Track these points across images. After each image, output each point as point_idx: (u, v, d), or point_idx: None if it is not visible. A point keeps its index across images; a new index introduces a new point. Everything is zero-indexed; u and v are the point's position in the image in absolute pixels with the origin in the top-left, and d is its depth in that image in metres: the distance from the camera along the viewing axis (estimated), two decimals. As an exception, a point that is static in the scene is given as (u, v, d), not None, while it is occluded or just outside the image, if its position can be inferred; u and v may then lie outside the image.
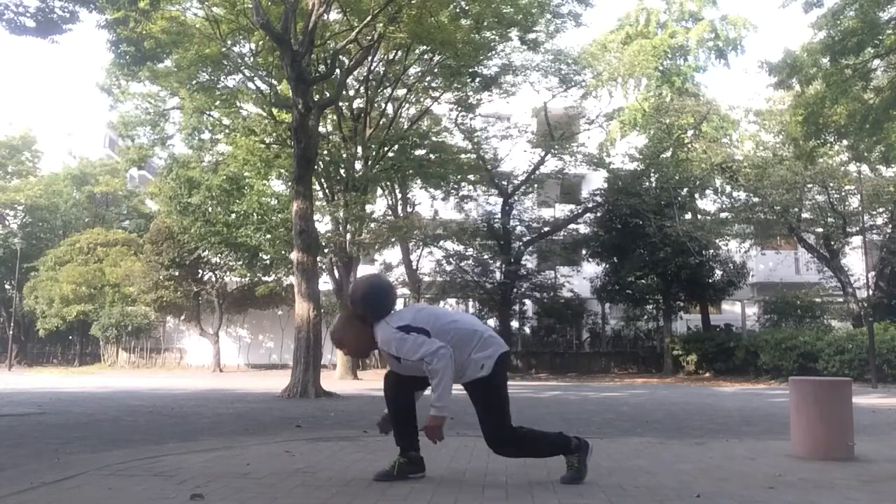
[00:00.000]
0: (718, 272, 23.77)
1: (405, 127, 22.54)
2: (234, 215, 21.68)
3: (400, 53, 19.58)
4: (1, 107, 52.84)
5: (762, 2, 49.51)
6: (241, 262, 24.43)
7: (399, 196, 25.06)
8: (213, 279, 28.40)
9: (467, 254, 25.32)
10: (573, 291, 26.44)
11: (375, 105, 21.48)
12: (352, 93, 21.19)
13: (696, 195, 24.41)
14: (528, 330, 27.94)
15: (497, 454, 3.60)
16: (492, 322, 26.62)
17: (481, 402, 3.52)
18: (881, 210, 22.10)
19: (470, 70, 20.18)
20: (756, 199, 21.89)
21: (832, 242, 21.68)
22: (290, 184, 17.18)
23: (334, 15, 18.01)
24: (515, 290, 25.33)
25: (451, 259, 25.11)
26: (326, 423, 7.33)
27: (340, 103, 19.84)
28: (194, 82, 18.76)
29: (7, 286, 33.83)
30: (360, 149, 21.00)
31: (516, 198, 25.55)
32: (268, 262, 23.86)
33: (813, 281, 24.86)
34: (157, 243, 27.42)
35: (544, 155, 24.57)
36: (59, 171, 36.19)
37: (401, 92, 21.77)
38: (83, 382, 18.12)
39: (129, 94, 20.64)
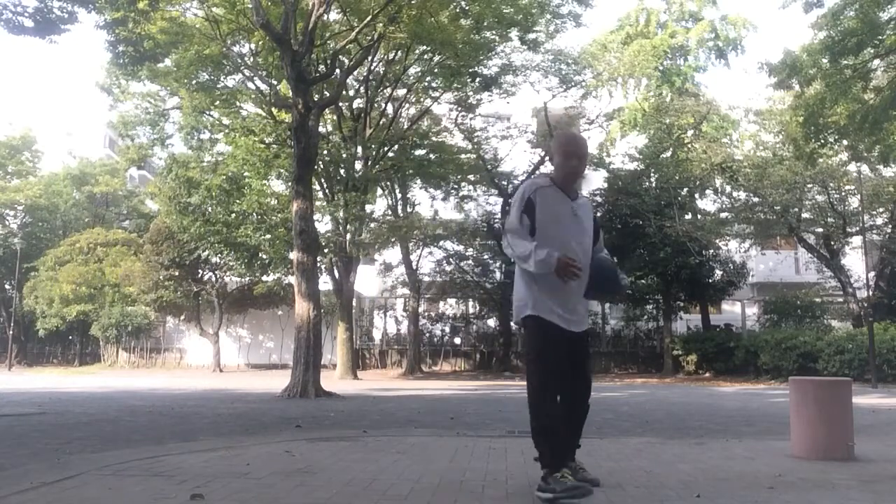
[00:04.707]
0: (718, 272, 23.75)
1: (405, 127, 22.54)
2: (233, 215, 21.68)
3: (400, 53, 19.58)
4: (1, 107, 52.83)
5: (762, 2, 49.53)
6: (240, 262, 24.43)
7: (399, 196, 25.05)
8: (213, 279, 28.39)
9: (467, 254, 25.29)
10: (573, 291, 26.38)
11: (375, 105, 21.48)
12: (352, 93, 21.19)
13: (696, 195, 24.39)
14: (527, 330, 27.89)
15: None
16: (491, 322, 26.63)
17: None
18: (881, 210, 22.08)
19: (470, 70, 20.19)
20: (756, 199, 21.87)
21: (832, 242, 21.66)
22: (290, 184, 17.18)
23: (334, 15, 18.01)
24: (515, 290, 25.29)
25: (451, 259, 25.09)
26: (326, 423, 7.32)
27: (340, 103, 19.84)
28: (194, 82, 18.76)
29: (7, 286, 33.82)
30: (360, 149, 21.00)
31: (516, 198, 25.52)
32: (267, 261, 23.86)
33: (813, 281, 24.84)
34: (156, 243, 27.41)
35: (544, 155, 24.56)
36: (59, 171, 36.14)
37: (401, 92, 21.77)
38: (83, 382, 18.13)
39: (129, 94, 20.66)
